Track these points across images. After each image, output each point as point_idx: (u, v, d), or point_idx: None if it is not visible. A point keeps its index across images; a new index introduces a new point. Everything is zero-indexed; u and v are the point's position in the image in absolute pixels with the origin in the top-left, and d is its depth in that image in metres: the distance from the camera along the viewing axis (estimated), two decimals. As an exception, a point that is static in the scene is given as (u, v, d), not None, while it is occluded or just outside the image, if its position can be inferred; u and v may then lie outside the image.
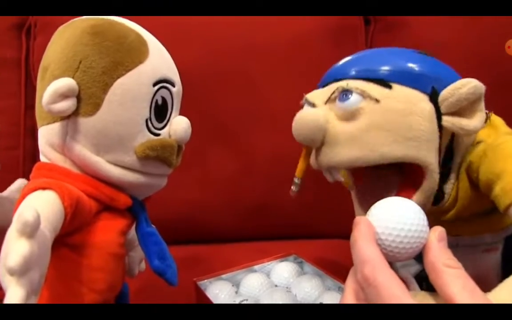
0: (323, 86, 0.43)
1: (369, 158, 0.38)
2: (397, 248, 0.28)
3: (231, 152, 0.76)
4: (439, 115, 0.38)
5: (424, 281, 0.45)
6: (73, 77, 0.34)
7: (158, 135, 0.38)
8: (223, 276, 0.57)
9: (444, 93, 0.38)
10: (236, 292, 0.53)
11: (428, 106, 0.38)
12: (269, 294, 0.51)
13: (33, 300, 0.24)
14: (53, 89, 0.32)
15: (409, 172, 0.40)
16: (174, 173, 0.41)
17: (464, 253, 0.46)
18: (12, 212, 0.28)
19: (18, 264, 0.22)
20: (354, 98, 0.38)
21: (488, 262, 0.47)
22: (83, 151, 0.35)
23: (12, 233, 0.24)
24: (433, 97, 0.38)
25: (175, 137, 0.39)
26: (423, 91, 0.38)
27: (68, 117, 0.34)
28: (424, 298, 0.28)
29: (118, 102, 0.35)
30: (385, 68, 0.39)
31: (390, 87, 0.38)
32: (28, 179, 0.38)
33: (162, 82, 0.37)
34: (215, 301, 0.50)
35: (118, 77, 0.35)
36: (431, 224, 0.29)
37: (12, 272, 0.22)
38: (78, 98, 0.34)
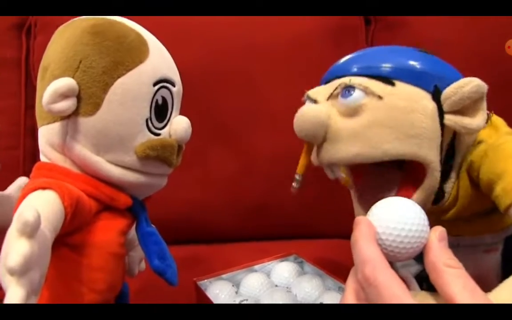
0: (325, 83, 0.43)
1: (370, 154, 0.38)
2: (397, 248, 0.28)
3: (231, 152, 0.76)
4: (441, 113, 0.38)
5: (424, 281, 0.45)
6: (73, 77, 0.34)
7: (158, 135, 0.38)
8: (223, 276, 0.57)
9: (447, 92, 0.38)
10: (236, 292, 0.53)
11: (431, 104, 0.38)
12: (269, 294, 0.51)
13: (33, 300, 0.24)
14: (53, 89, 0.32)
15: (410, 170, 0.40)
16: (174, 173, 0.41)
17: (464, 253, 0.46)
18: (12, 211, 0.28)
19: (18, 264, 0.22)
20: (356, 94, 0.38)
21: (488, 262, 0.47)
22: (83, 151, 0.35)
23: (12, 233, 0.24)
24: (436, 95, 0.38)
25: (175, 136, 0.39)
26: (425, 89, 0.38)
27: (68, 117, 0.34)
28: (425, 298, 0.28)
29: (119, 102, 0.35)
30: (388, 65, 0.39)
31: (393, 84, 0.38)
32: (28, 178, 0.38)
33: (163, 82, 0.37)
34: (215, 301, 0.50)
35: (119, 77, 0.34)
36: (432, 224, 0.29)
37: (12, 272, 0.22)
38: (78, 98, 0.34)
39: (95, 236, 0.35)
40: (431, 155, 0.38)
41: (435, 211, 0.43)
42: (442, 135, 0.38)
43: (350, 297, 0.28)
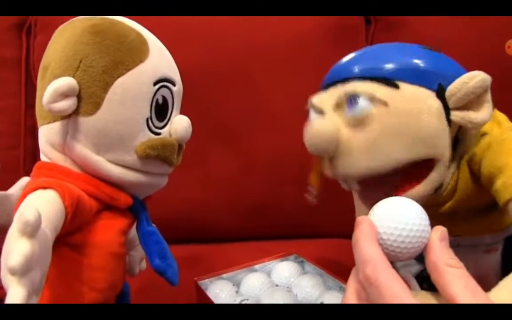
0: (327, 85, 0.43)
1: (384, 165, 0.38)
2: (398, 248, 0.28)
3: (231, 152, 0.76)
4: (447, 110, 0.38)
5: (425, 281, 0.45)
6: (73, 76, 0.34)
7: (158, 134, 0.38)
8: (224, 275, 0.57)
9: (451, 89, 0.37)
10: (237, 292, 0.53)
11: (436, 103, 0.38)
12: (269, 294, 0.51)
13: (34, 300, 0.24)
14: (54, 88, 0.32)
15: (414, 164, 0.40)
16: (174, 173, 0.41)
17: (464, 253, 0.46)
18: (13, 211, 0.28)
19: (19, 263, 0.22)
20: (362, 103, 0.38)
21: (488, 262, 0.47)
22: (84, 150, 0.35)
23: (13, 233, 0.23)
24: (440, 93, 0.38)
25: (175, 136, 0.39)
26: (429, 88, 0.38)
27: (68, 116, 0.34)
28: (425, 298, 0.28)
29: (119, 101, 0.35)
30: (391, 65, 0.39)
31: (397, 86, 0.38)
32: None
33: (163, 81, 0.37)
34: (216, 300, 0.50)
35: (119, 76, 0.34)
36: (429, 217, 0.29)
37: (13, 272, 0.22)
38: (79, 97, 0.34)
39: (96, 236, 0.35)
40: (442, 150, 0.38)
41: (432, 204, 0.43)
42: (449, 128, 0.38)
43: (351, 297, 0.28)
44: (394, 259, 0.28)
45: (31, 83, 0.76)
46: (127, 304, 0.42)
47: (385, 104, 0.37)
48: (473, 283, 0.25)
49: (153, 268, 0.38)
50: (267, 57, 0.76)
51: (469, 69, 0.39)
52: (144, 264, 0.48)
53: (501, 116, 0.43)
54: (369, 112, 0.37)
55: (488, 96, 0.37)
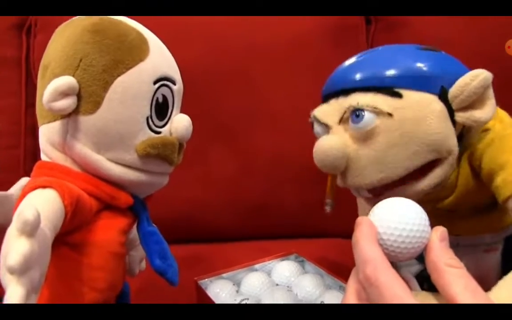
0: (329, 96, 0.43)
1: (393, 175, 0.38)
2: (399, 248, 0.28)
3: (231, 151, 0.77)
4: (450, 111, 0.38)
5: (425, 281, 0.45)
6: (73, 75, 0.34)
7: (159, 133, 0.38)
8: (224, 275, 0.57)
9: (454, 91, 0.37)
10: (237, 291, 0.53)
11: (439, 106, 0.38)
12: (270, 293, 0.51)
13: (33, 299, 0.24)
14: (54, 87, 0.32)
15: None
16: (175, 172, 0.41)
17: (464, 253, 0.46)
18: (13, 211, 0.28)
19: (18, 263, 0.22)
20: (367, 117, 0.38)
21: (489, 262, 0.47)
22: (84, 149, 0.35)
23: (12, 232, 0.23)
24: (443, 96, 0.38)
25: (176, 135, 0.39)
26: (432, 92, 0.38)
27: (68, 115, 0.34)
28: (426, 298, 0.28)
29: (119, 100, 0.35)
30: (393, 73, 0.39)
31: (400, 96, 0.38)
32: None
33: (163, 80, 0.37)
34: (216, 300, 0.50)
35: (119, 75, 0.34)
36: (428, 213, 0.29)
37: (12, 271, 0.22)
38: (79, 96, 0.34)
39: (96, 235, 0.35)
40: (449, 150, 0.38)
41: (432, 199, 0.43)
42: (454, 128, 0.38)
43: (351, 297, 0.28)
44: (394, 260, 0.28)
45: (31, 82, 0.76)
46: (127, 304, 0.42)
47: (389, 115, 0.37)
48: (473, 283, 0.25)
49: (153, 268, 0.38)
50: (267, 57, 0.76)
51: (469, 69, 0.39)
52: (143, 264, 0.48)
53: (503, 113, 0.43)
54: (374, 125, 0.38)
55: (491, 93, 0.37)
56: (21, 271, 0.22)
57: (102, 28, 0.35)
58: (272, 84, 0.76)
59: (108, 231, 0.36)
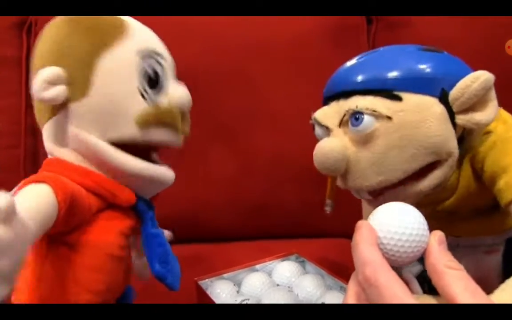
0: (330, 98, 0.43)
1: (393, 177, 0.38)
2: (398, 252, 0.28)
3: (232, 151, 0.77)
4: (451, 113, 0.38)
5: (426, 282, 0.45)
6: (59, 66, 0.35)
7: (156, 104, 0.38)
8: (225, 275, 0.57)
9: (454, 93, 0.37)
10: (238, 292, 0.53)
11: (439, 109, 0.37)
12: (270, 294, 0.51)
13: (4, 290, 0.23)
14: (40, 78, 0.34)
15: None
16: (175, 172, 0.41)
17: (464, 254, 0.46)
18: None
19: None
20: (366, 120, 0.38)
21: (489, 263, 0.47)
22: (87, 136, 0.35)
23: None
24: (443, 98, 0.38)
25: (173, 103, 0.39)
26: (433, 95, 0.38)
27: (63, 106, 0.35)
28: (427, 301, 0.28)
29: (107, 78, 0.36)
30: (393, 75, 0.38)
31: (400, 99, 0.38)
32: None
33: (148, 54, 0.38)
34: (217, 300, 0.50)
35: (101, 55, 0.36)
36: (428, 215, 0.29)
37: None
38: (68, 84, 0.35)
39: (94, 236, 0.35)
40: (449, 153, 0.38)
41: (432, 201, 0.43)
42: (455, 131, 0.38)
43: (351, 300, 0.28)
44: (394, 264, 0.28)
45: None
46: (128, 304, 0.42)
47: (389, 118, 0.37)
48: (473, 285, 0.25)
49: (153, 274, 0.38)
50: (267, 57, 0.76)
51: (472, 69, 0.39)
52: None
53: (506, 114, 0.42)
54: (374, 128, 0.38)
55: (492, 94, 0.37)
56: None
57: (77, 19, 0.37)
58: (272, 84, 0.76)
59: (108, 232, 0.36)
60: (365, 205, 0.56)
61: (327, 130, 0.42)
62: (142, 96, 0.37)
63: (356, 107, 0.38)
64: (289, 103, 0.76)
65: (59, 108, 0.36)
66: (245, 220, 0.78)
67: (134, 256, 0.43)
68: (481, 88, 0.36)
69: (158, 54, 0.39)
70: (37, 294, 0.34)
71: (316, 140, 0.43)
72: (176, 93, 0.39)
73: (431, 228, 0.29)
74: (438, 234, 0.28)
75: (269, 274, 0.57)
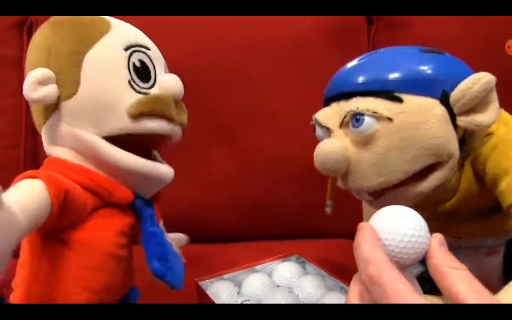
0: (330, 99, 0.43)
1: (393, 178, 0.38)
2: (400, 253, 0.28)
3: (232, 152, 0.76)
4: (452, 115, 0.38)
5: (426, 283, 0.45)
6: (47, 68, 0.36)
7: (147, 94, 0.38)
8: (225, 276, 0.56)
9: (455, 95, 0.37)
10: (238, 292, 0.53)
11: (440, 110, 0.37)
12: (271, 294, 0.51)
13: None
14: (29, 79, 0.34)
15: None
16: (175, 172, 0.41)
17: (466, 256, 0.45)
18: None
19: None
20: (367, 121, 0.38)
21: (490, 265, 0.47)
22: (82, 133, 0.36)
23: None
24: (444, 100, 0.38)
25: (164, 91, 0.39)
26: (434, 96, 0.38)
27: (57, 107, 0.36)
28: (430, 301, 0.28)
29: (95, 73, 0.36)
30: (394, 77, 0.38)
31: (401, 100, 0.38)
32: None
33: (134, 47, 0.38)
34: (217, 301, 0.50)
35: (87, 52, 0.36)
36: (428, 216, 0.29)
37: None
38: (58, 84, 0.36)
39: (91, 234, 0.35)
40: (449, 154, 0.38)
41: (432, 202, 0.43)
42: (456, 132, 0.38)
43: (353, 299, 0.28)
44: (395, 266, 0.28)
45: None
46: (128, 304, 0.42)
47: (390, 120, 0.37)
48: (477, 284, 0.25)
49: (151, 271, 0.38)
50: (267, 57, 0.76)
51: (473, 71, 0.38)
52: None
53: (508, 116, 0.42)
54: (375, 129, 0.38)
55: (494, 96, 0.37)
56: None
57: (58, 20, 0.38)
58: (272, 84, 0.76)
59: (105, 231, 0.36)
60: (365, 206, 0.56)
61: (328, 131, 0.42)
62: (132, 88, 0.37)
63: (357, 108, 0.38)
64: (289, 103, 0.76)
65: (53, 109, 0.36)
66: (245, 221, 0.77)
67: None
68: (482, 89, 0.36)
69: (144, 46, 0.39)
70: (34, 292, 0.34)
71: (316, 140, 0.43)
72: (165, 81, 0.40)
73: (432, 229, 0.29)
74: (438, 237, 0.28)
75: (270, 275, 0.57)
